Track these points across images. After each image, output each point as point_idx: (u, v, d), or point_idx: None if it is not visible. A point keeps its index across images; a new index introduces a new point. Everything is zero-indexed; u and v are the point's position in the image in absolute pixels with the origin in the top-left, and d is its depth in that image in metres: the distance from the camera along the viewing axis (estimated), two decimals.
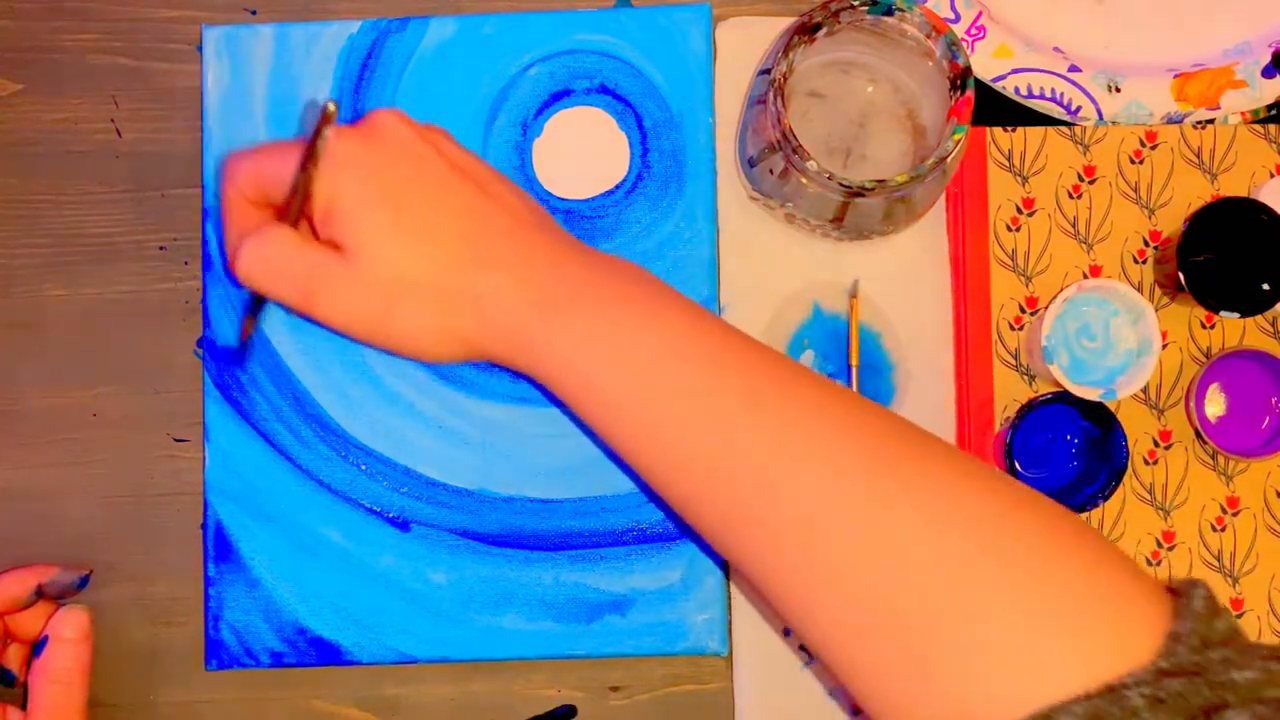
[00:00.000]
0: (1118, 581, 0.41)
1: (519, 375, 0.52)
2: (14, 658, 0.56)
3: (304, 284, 0.50)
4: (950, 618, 0.41)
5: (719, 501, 0.46)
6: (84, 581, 0.57)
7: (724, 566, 0.59)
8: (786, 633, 0.59)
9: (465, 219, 0.50)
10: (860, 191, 0.52)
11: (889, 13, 0.52)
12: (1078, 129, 0.61)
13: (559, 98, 0.61)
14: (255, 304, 0.56)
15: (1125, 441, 0.57)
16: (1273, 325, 0.60)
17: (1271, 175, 0.60)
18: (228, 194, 0.53)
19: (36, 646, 0.53)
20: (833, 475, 0.44)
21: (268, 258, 0.50)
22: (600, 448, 0.59)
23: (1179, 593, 0.42)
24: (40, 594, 0.55)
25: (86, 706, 0.53)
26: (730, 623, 0.59)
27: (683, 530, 0.59)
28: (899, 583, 0.42)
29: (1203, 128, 0.61)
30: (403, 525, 0.59)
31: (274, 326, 0.60)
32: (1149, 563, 0.59)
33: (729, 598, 0.59)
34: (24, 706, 0.53)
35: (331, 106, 0.49)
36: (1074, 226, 0.60)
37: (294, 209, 0.50)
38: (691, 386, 0.47)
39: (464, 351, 0.51)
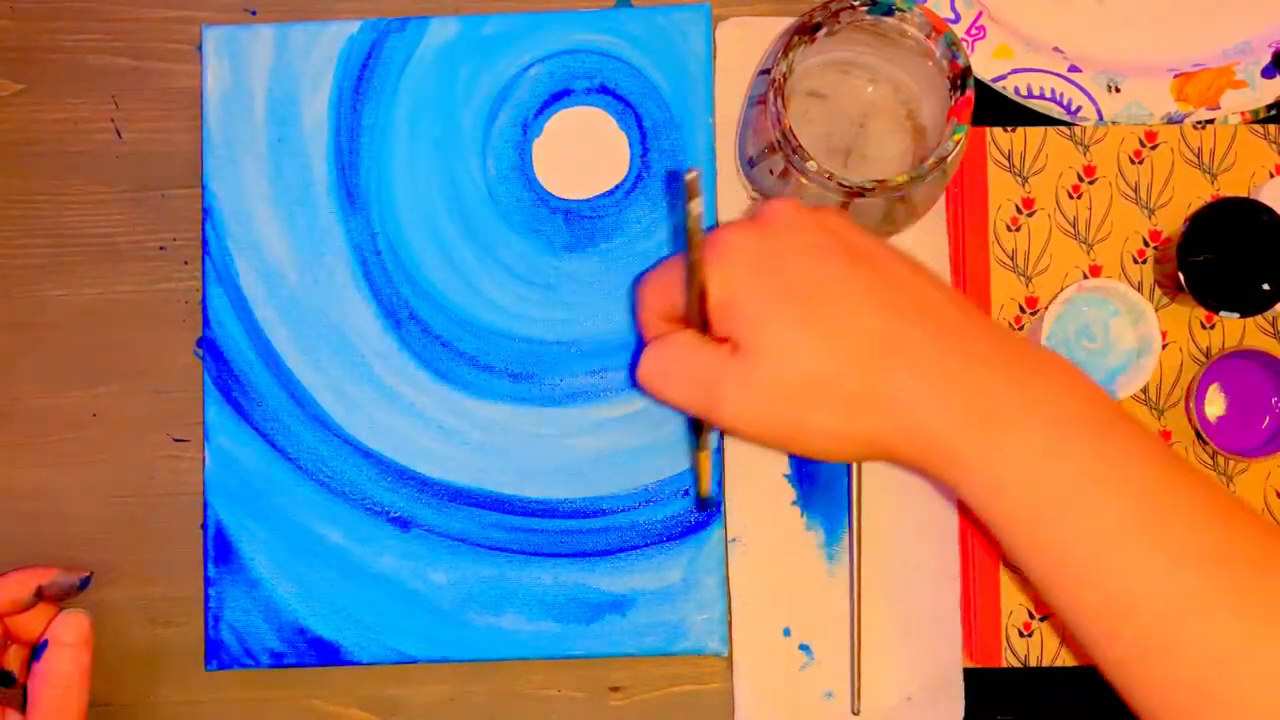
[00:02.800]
0: None
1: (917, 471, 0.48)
2: (14, 659, 0.56)
3: (704, 386, 0.47)
4: None
5: (1153, 680, 0.43)
6: (85, 583, 0.57)
7: (724, 567, 0.59)
8: (786, 632, 0.59)
9: (874, 310, 0.45)
10: (860, 191, 0.52)
11: (889, 13, 0.52)
12: (1078, 129, 0.61)
13: (559, 98, 0.61)
14: (696, 439, 0.54)
15: None
16: (1273, 325, 0.60)
17: (1271, 175, 0.60)
18: (641, 317, 0.52)
19: (36, 650, 0.53)
20: None
21: (667, 358, 0.48)
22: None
23: None
24: (40, 596, 0.55)
25: (86, 709, 0.53)
26: (730, 623, 0.59)
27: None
28: None
29: (1203, 128, 0.61)
30: (403, 525, 0.59)
31: (274, 326, 0.60)
32: None
33: (729, 598, 0.59)
34: (23, 708, 0.53)
35: (692, 176, 0.45)
36: (1074, 226, 0.60)
37: (692, 306, 0.48)
38: (1157, 554, 0.42)
39: (870, 453, 0.47)
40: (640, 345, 0.52)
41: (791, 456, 0.60)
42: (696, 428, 0.54)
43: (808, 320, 0.45)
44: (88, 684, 0.54)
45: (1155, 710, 0.43)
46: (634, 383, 0.52)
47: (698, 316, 0.48)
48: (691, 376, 0.47)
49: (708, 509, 0.58)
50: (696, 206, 0.46)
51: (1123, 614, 0.42)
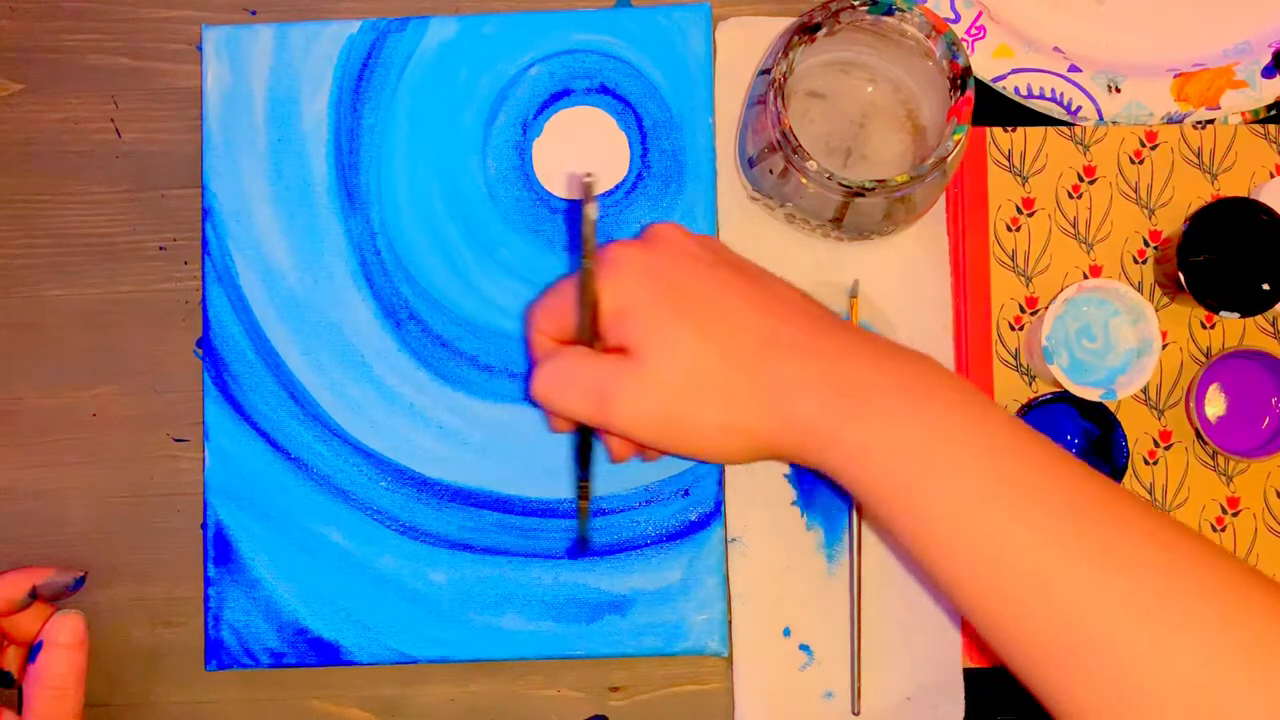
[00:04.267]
0: None
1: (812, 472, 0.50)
2: (12, 660, 0.56)
3: (597, 391, 0.49)
4: None
5: (1039, 638, 0.43)
6: (79, 583, 0.57)
7: (724, 567, 0.59)
8: (786, 632, 0.59)
9: (753, 311, 0.49)
10: (860, 191, 0.52)
11: (889, 13, 0.52)
12: (1078, 129, 0.61)
13: (559, 98, 0.61)
14: (578, 478, 0.55)
15: (1125, 441, 0.57)
16: (1273, 325, 0.60)
17: (1271, 175, 0.60)
18: (532, 337, 0.53)
19: (31, 651, 0.53)
20: (1168, 630, 0.42)
21: (559, 370, 0.50)
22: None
23: None
24: (35, 596, 0.55)
25: (82, 711, 0.53)
26: (730, 623, 0.59)
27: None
28: None
29: (1203, 128, 0.61)
30: (403, 525, 0.59)
31: (274, 326, 0.60)
32: None
33: (729, 598, 0.59)
34: (20, 710, 0.53)
35: (589, 180, 0.48)
36: (1074, 226, 0.60)
37: (585, 316, 0.50)
38: (1026, 515, 0.44)
39: (754, 448, 0.49)
40: (530, 368, 0.53)
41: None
42: (579, 463, 0.55)
43: (693, 322, 0.48)
44: (83, 685, 0.53)
45: (1030, 668, 0.44)
46: (528, 399, 0.55)
47: (588, 329, 0.50)
48: (584, 385, 0.49)
49: (585, 549, 0.59)
50: (592, 211, 0.48)
51: (990, 569, 0.44)
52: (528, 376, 0.58)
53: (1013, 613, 0.44)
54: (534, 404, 0.52)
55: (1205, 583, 0.42)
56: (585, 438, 0.54)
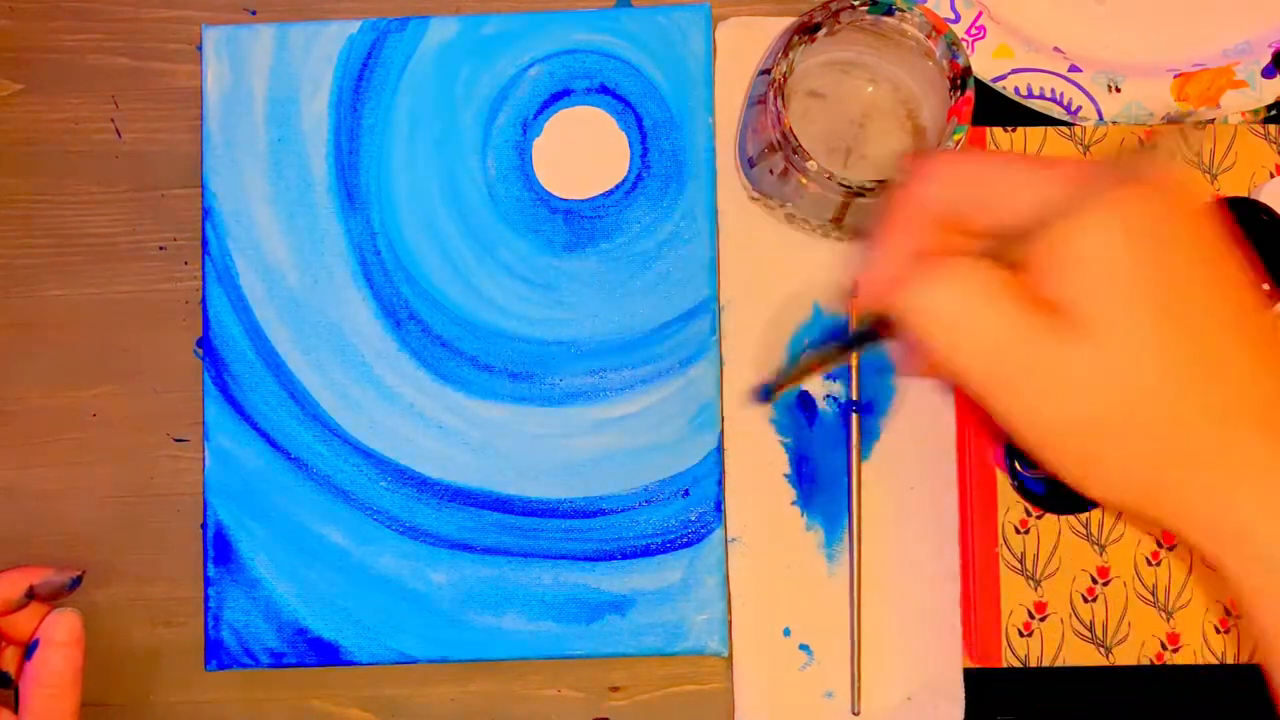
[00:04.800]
0: None
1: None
2: (10, 660, 0.56)
3: (1002, 355, 0.35)
4: None
5: None
6: (75, 582, 0.56)
7: (724, 567, 0.59)
8: (786, 632, 0.59)
9: (1259, 362, 0.35)
10: (860, 191, 0.52)
11: (889, 13, 0.52)
12: (1078, 129, 0.61)
13: (559, 98, 0.61)
14: (850, 346, 0.44)
15: None
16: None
17: (1271, 175, 0.60)
18: (907, 198, 0.39)
19: (28, 650, 0.53)
20: None
21: (966, 298, 0.35)
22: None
23: None
24: (32, 595, 0.55)
25: (79, 710, 0.53)
26: (730, 623, 0.59)
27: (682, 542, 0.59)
28: None
29: (1203, 128, 0.61)
30: (403, 525, 0.59)
31: (274, 326, 0.60)
32: (1149, 563, 0.59)
33: (729, 598, 0.59)
34: (17, 709, 0.53)
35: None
36: None
37: (1010, 243, 0.36)
38: None
39: (1162, 520, 0.36)
40: (873, 265, 0.38)
41: (794, 456, 0.60)
42: (860, 338, 0.42)
43: (1180, 331, 0.35)
44: (80, 683, 0.53)
45: None
46: (876, 331, 0.39)
47: (1020, 231, 0.35)
48: (991, 335, 0.35)
49: (768, 399, 0.56)
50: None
51: None
52: (871, 280, 0.39)
53: None
54: (878, 331, 0.37)
55: None
56: (875, 339, 0.41)
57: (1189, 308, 0.35)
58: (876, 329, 0.40)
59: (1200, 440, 0.35)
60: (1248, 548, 0.35)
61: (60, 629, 0.53)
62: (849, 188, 0.52)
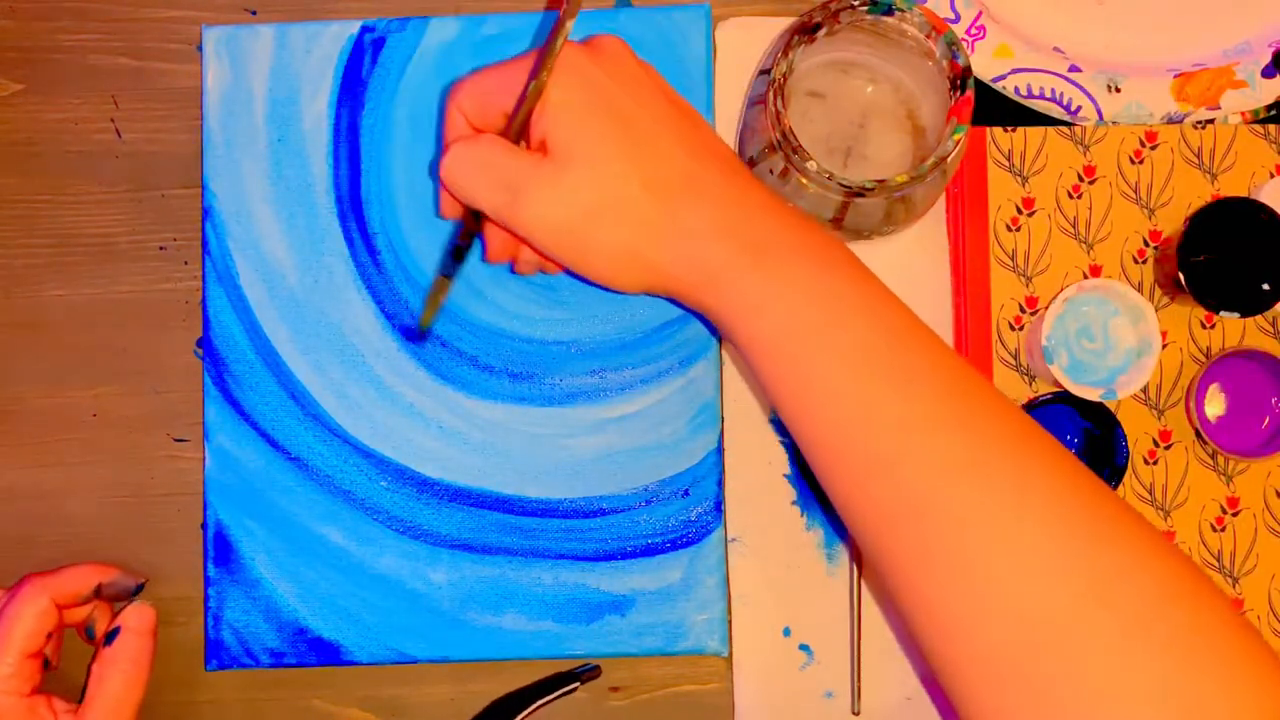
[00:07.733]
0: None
1: (696, 315, 0.53)
2: (51, 649, 0.57)
3: (510, 185, 0.49)
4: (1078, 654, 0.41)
5: (878, 499, 0.46)
6: (139, 588, 0.58)
7: (724, 567, 0.59)
8: (786, 632, 0.59)
9: (682, 149, 0.49)
10: (860, 191, 0.52)
11: (889, 13, 0.52)
12: (1078, 129, 0.61)
13: None
14: (450, 264, 0.54)
15: (1125, 441, 0.57)
16: (1273, 325, 0.60)
17: (1271, 175, 0.60)
18: (449, 112, 0.52)
19: (108, 636, 0.55)
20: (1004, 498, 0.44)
21: (476, 155, 0.50)
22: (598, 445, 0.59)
23: None
24: (99, 593, 0.56)
25: (142, 700, 0.55)
26: (730, 623, 0.59)
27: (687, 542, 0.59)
28: (1042, 606, 0.42)
29: (1203, 128, 0.61)
30: (403, 525, 0.59)
31: (274, 326, 0.60)
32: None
33: (729, 598, 0.59)
34: (77, 699, 0.54)
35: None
36: (1074, 226, 0.60)
37: (520, 115, 0.49)
38: (906, 391, 0.46)
39: (648, 281, 0.50)
40: (440, 146, 0.54)
41: (794, 456, 0.60)
42: (454, 254, 0.54)
43: (625, 143, 0.48)
44: (149, 673, 0.55)
45: (874, 532, 0.46)
46: (434, 177, 0.53)
47: (520, 125, 0.49)
48: (498, 175, 0.49)
49: (421, 341, 0.59)
50: (571, 25, 0.48)
51: (860, 429, 0.46)
52: (437, 157, 0.56)
53: (866, 471, 0.46)
54: (437, 181, 0.51)
55: (1054, 474, 0.44)
56: (470, 231, 0.54)
57: (625, 116, 0.49)
58: (465, 224, 0.53)
59: (649, 210, 0.48)
60: (721, 285, 0.48)
61: (143, 619, 0.56)
62: (849, 188, 0.52)
